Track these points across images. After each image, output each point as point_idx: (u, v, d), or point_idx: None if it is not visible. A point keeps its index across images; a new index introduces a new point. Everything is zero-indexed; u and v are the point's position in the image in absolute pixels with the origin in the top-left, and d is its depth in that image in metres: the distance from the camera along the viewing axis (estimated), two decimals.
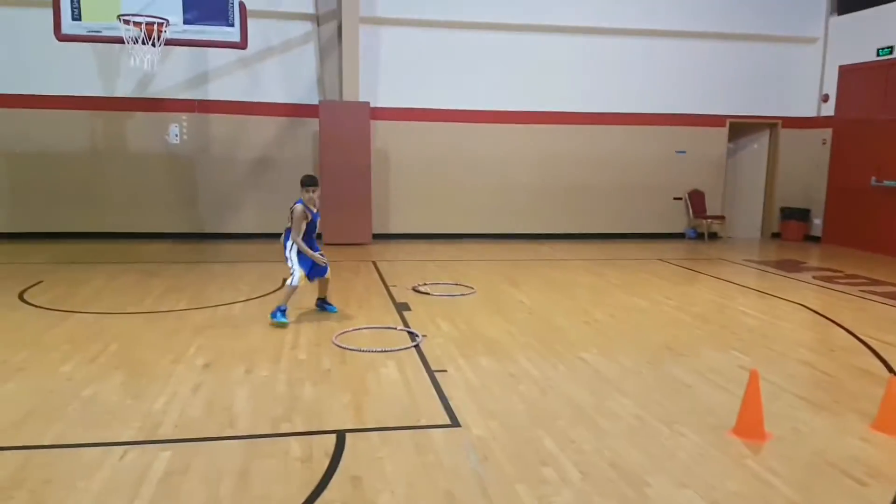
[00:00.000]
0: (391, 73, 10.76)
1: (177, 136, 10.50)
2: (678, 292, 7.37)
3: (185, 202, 10.67)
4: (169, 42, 7.99)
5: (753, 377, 3.55)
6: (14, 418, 3.57)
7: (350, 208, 10.31)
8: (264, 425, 3.55)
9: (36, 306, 6.08)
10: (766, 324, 6.03)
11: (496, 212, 11.41)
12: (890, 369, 4.69)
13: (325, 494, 2.83)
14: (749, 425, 3.51)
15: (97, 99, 10.17)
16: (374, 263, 8.76)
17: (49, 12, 7.96)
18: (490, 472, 3.06)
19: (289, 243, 5.65)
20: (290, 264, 5.67)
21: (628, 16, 11.23)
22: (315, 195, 5.73)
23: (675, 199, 11.97)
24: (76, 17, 7.92)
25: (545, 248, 10.54)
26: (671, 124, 11.73)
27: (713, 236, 12.10)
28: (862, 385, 4.37)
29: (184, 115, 10.48)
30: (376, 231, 10.78)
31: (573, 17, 11.08)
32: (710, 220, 11.94)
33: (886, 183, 10.36)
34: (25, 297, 6.42)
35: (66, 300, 6.32)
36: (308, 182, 5.71)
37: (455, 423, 3.61)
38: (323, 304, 6.06)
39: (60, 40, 8.09)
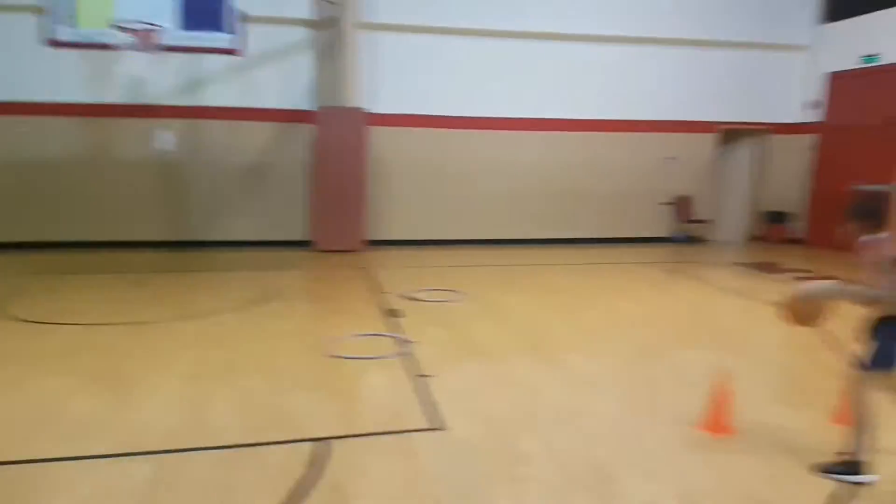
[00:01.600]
0: (389, 79, 10.84)
1: (169, 142, 10.54)
2: (661, 294, 7.48)
3: (178, 210, 10.68)
4: (163, 48, 8.03)
5: (722, 375, 3.68)
6: None
7: (345, 215, 10.37)
8: (248, 435, 3.57)
9: (21, 320, 5.92)
10: (742, 323, 6.17)
11: (490, 218, 11.49)
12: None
13: (307, 503, 2.87)
14: (717, 421, 3.63)
15: (87, 106, 10.13)
16: (367, 270, 8.83)
17: (41, 18, 7.96)
18: (472, 475, 3.14)
19: None
20: None
21: (622, 24, 11.35)
22: None
23: (661, 203, 12.09)
24: (70, 23, 7.96)
25: (538, 254, 10.63)
26: (662, 131, 11.85)
27: (698, 240, 12.23)
28: (829, 381, 4.47)
29: (177, 122, 10.52)
30: (372, 237, 10.84)
31: (567, 25, 11.18)
32: (695, 225, 12.08)
33: (868, 188, 10.48)
34: (9, 309, 6.30)
35: (53, 311, 6.23)
36: None
37: (441, 427, 3.68)
38: None
39: (54, 46, 8.10)
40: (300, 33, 10.61)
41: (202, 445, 3.44)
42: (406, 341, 5.32)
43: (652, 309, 6.76)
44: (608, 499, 2.92)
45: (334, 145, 10.18)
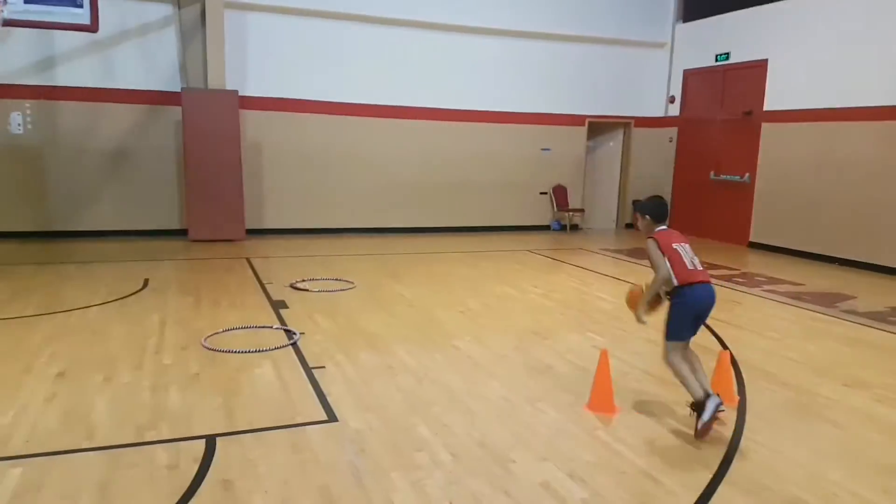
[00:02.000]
0: (260, 61, 10.41)
1: (19, 125, 9.52)
2: (543, 280, 7.82)
3: (32, 198, 9.69)
4: (7, 23, 7.22)
5: (603, 356, 3.92)
6: None
7: (220, 202, 9.88)
8: (127, 434, 3.38)
9: None
10: (617, 307, 6.57)
11: (376, 206, 11.43)
12: (723, 345, 5.30)
13: (195, 500, 2.77)
14: (600, 400, 3.87)
15: None
16: (248, 260, 8.49)
17: None
18: (366, 464, 3.14)
19: None
20: None
21: (504, 17, 11.63)
22: None
23: (541, 193, 12.62)
24: None
25: (424, 242, 10.73)
26: (538, 123, 12.34)
27: (574, 228, 12.90)
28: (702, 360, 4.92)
29: (27, 103, 9.52)
30: (250, 226, 10.42)
31: (447, 16, 11.28)
32: (571, 213, 12.73)
33: (723, 177, 11.56)
34: None
35: None
36: None
37: (332, 418, 3.65)
38: None
39: None
40: (161, 10, 9.93)
41: (80, 447, 3.22)
42: (292, 333, 5.20)
43: (535, 295, 7.05)
44: (505, 480, 3.03)
45: (204, 129, 9.65)
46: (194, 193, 9.79)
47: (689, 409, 3.63)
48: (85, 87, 9.67)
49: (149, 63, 9.95)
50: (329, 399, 3.92)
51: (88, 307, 5.91)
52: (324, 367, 4.48)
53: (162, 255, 8.74)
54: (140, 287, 6.72)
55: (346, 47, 10.84)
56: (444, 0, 11.26)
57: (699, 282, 3.59)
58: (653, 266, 3.69)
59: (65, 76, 9.61)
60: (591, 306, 6.65)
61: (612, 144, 13.48)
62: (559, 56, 12.26)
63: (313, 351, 4.81)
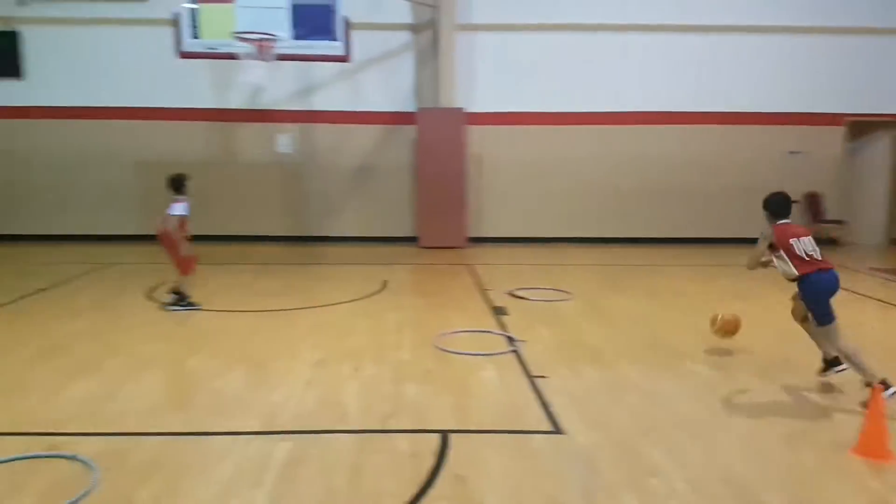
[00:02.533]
0: (486, 78, 10.88)
1: (286, 145, 11.09)
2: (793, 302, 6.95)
3: (293, 208, 11.25)
4: (279, 57, 8.48)
5: (876, 393, 3.34)
6: (149, 407, 3.93)
7: (446, 212, 10.51)
8: (373, 421, 3.72)
9: (163, 304, 6.59)
10: (892, 336, 5.60)
11: (594, 215, 11.23)
12: None
13: (432, 492, 2.93)
14: (872, 444, 3.30)
15: (213, 111, 10.91)
16: (471, 267, 8.87)
17: (169, 31, 8.67)
18: (596, 481, 3.06)
19: None
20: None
21: (734, 12, 10.76)
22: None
23: (792, 202, 11.28)
24: (195, 35, 8.57)
25: (645, 253, 10.24)
26: (784, 123, 11.09)
27: (832, 242, 11.31)
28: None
29: (291, 126, 11.06)
30: (472, 234, 10.91)
31: (674, 16, 10.75)
32: (829, 226, 11.17)
33: None
34: (154, 295, 7.00)
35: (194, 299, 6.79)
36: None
37: (558, 430, 3.62)
38: None
39: (182, 57, 8.78)
40: (401, 37, 10.85)
41: (335, 428, 3.61)
42: (514, 339, 5.29)
43: (784, 318, 6.30)
44: None
45: (435, 145, 10.36)
46: (425, 204, 10.54)
47: (867, 386, 3.75)
48: (337, 111, 10.95)
49: (389, 87, 10.96)
50: (552, 410, 3.89)
51: (339, 304, 6.63)
52: (546, 376, 4.48)
53: (397, 259, 9.53)
54: (380, 288, 7.38)
55: (563, 57, 10.87)
56: (671, 0, 10.71)
57: (819, 269, 3.98)
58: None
59: (321, 102, 10.99)
60: (856, 333, 5.72)
61: (879, 146, 11.58)
62: (805, 51, 10.92)
63: (535, 360, 4.83)
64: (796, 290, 4.28)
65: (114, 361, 4.71)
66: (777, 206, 4.37)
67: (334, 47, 8.61)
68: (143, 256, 9.50)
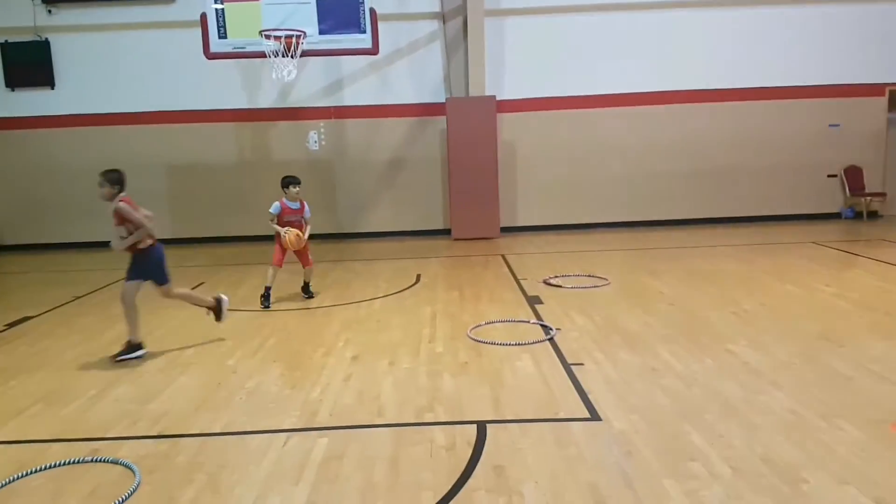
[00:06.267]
0: (516, 64, 10.77)
1: (315, 142, 11.19)
2: (835, 278, 6.77)
3: (326, 204, 11.33)
4: (306, 53, 8.52)
5: None
6: (188, 408, 3.99)
7: (478, 202, 10.48)
8: (409, 414, 3.74)
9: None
10: None
11: (627, 199, 11.07)
12: None
13: (471, 482, 2.94)
14: None
15: (242, 111, 11.04)
16: (504, 257, 8.84)
17: (196, 32, 8.77)
18: (634, 467, 3.02)
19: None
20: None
21: None
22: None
23: (829, 176, 10.94)
24: (222, 35, 8.66)
25: (682, 236, 10.05)
26: (822, 96, 10.74)
27: (873, 215, 10.92)
28: None
29: (321, 122, 11.15)
30: (504, 224, 10.85)
31: None
32: (869, 198, 10.80)
33: None
34: None
35: (237, 299, 6.75)
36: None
37: (595, 416, 3.59)
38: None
39: (209, 58, 8.87)
40: (429, 26, 10.79)
41: (373, 423, 3.65)
42: (549, 328, 5.25)
43: (827, 295, 6.13)
44: (797, 502, 2.68)
45: (465, 135, 10.30)
46: (457, 195, 10.52)
47: None
48: (366, 106, 10.99)
49: (418, 78, 10.93)
50: (590, 397, 3.86)
51: (373, 299, 6.69)
52: (582, 364, 4.44)
53: (429, 252, 9.55)
54: (413, 282, 7.41)
55: (595, 39, 10.67)
56: None
57: None
58: None
59: (350, 97, 11.03)
60: None
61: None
62: (849, 19, 10.52)
63: (571, 347, 4.80)
64: None
65: (152, 364, 4.84)
66: None
67: (362, 40, 8.60)
68: (174, 260, 9.60)
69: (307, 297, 6.75)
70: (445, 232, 10.91)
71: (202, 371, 4.70)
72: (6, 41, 10.77)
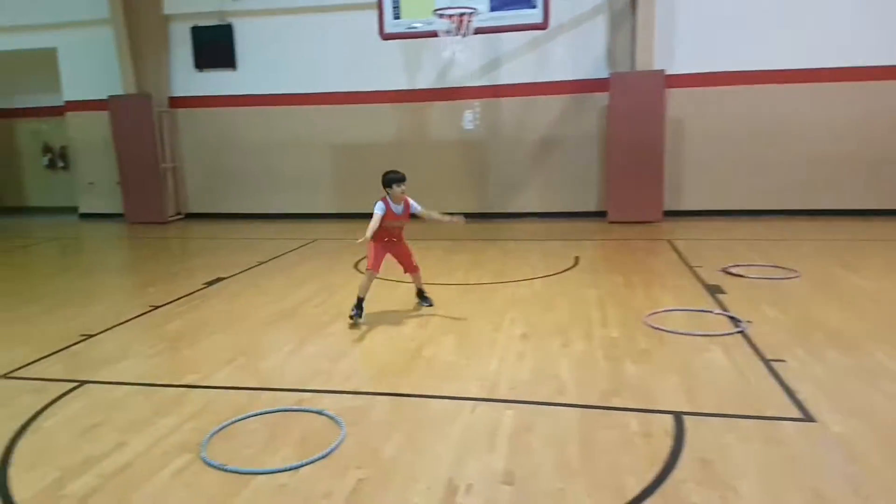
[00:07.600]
0: (688, 36, 10.03)
1: (471, 121, 11.21)
2: None
3: (477, 184, 11.36)
4: (476, 31, 8.46)
5: None
6: (374, 371, 4.19)
7: (639, 184, 9.96)
8: (594, 397, 3.60)
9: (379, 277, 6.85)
10: None
11: (811, 185, 9.98)
12: None
13: (676, 473, 2.76)
14: None
15: (403, 92, 11.29)
16: (670, 242, 8.33)
17: (368, 15, 9.04)
18: (862, 474, 2.68)
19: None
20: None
21: None
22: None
23: None
24: (396, 16, 8.83)
25: (879, 227, 8.92)
26: None
27: None
28: None
29: (476, 102, 11.12)
30: (667, 208, 10.24)
31: None
32: None
33: None
34: (359, 267, 7.43)
35: (391, 271, 6.85)
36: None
37: (808, 417, 3.24)
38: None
39: (384, 39, 9.08)
40: (592, 0, 10.34)
41: (551, 401, 3.57)
42: (738, 320, 4.84)
43: None
44: None
45: (629, 112, 9.80)
46: (615, 176, 10.09)
47: None
48: (522, 84, 10.81)
49: (578, 53, 10.54)
50: (799, 396, 3.49)
51: (533, 279, 6.57)
52: (784, 360, 4.04)
53: (585, 235, 9.24)
54: (572, 265, 7.19)
55: (776, 7, 9.66)
56: None
57: None
58: None
59: (507, 75, 10.90)
60: None
61: None
62: None
63: (767, 342, 4.38)
64: None
65: (336, 326, 5.08)
66: None
67: (531, 15, 8.40)
68: (341, 233, 10.03)
69: (427, 305, 5.63)
70: (599, 214, 10.52)
71: (382, 335, 4.86)
72: (196, 25, 11.81)
